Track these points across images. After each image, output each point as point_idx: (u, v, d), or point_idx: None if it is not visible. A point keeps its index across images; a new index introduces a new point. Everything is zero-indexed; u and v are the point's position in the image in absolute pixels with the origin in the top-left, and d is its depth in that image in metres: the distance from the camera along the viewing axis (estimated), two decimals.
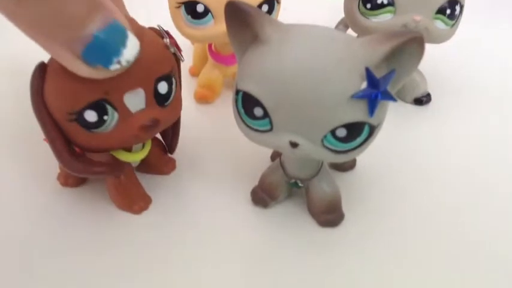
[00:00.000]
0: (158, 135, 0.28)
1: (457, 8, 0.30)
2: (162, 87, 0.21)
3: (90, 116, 0.19)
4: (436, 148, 0.31)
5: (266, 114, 0.19)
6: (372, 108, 0.18)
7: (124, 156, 0.23)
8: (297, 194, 0.26)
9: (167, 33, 0.22)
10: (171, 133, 0.27)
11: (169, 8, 0.31)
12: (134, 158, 0.24)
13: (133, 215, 0.25)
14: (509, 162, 0.30)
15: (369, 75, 0.17)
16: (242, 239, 0.24)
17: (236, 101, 0.20)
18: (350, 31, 0.35)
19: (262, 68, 0.18)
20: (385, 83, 0.17)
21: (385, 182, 0.28)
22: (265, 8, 0.31)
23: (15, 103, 0.32)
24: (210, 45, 0.35)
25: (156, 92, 0.21)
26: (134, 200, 0.25)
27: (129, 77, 0.19)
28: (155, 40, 0.21)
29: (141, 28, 0.20)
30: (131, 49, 0.18)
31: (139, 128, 0.20)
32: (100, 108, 0.19)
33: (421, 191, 0.27)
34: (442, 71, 0.40)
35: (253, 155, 0.29)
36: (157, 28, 0.22)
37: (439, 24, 0.31)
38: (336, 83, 0.17)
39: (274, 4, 0.31)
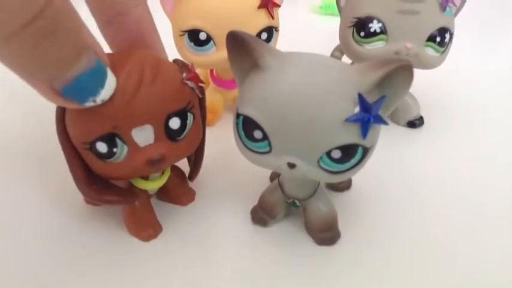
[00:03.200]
0: (179, 163, 0.28)
1: (447, 35, 0.32)
2: (174, 123, 0.21)
3: (101, 147, 0.20)
4: (429, 169, 0.32)
5: (265, 137, 0.20)
6: (364, 131, 0.19)
7: (141, 184, 0.24)
8: (295, 214, 0.27)
9: (187, 67, 0.22)
10: (194, 160, 0.27)
11: (174, 36, 0.32)
12: (151, 186, 0.24)
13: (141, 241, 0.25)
14: (500, 182, 0.31)
15: (361, 101, 0.18)
16: (242, 257, 0.25)
17: (237, 124, 0.21)
18: (345, 57, 0.36)
19: (261, 94, 0.19)
20: (377, 108, 0.19)
21: (380, 202, 0.29)
22: (264, 35, 0.32)
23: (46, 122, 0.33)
24: (211, 71, 0.37)
25: (167, 127, 0.21)
26: (144, 227, 0.25)
27: (137, 113, 0.19)
28: (171, 75, 0.21)
29: (158, 63, 0.20)
30: (108, 89, 0.18)
31: (145, 162, 0.21)
32: (110, 141, 0.20)
33: (415, 211, 0.28)
34: (434, 95, 0.41)
35: (252, 175, 0.30)
36: (179, 62, 0.23)
37: (430, 51, 0.32)
38: (331, 107, 0.18)
39: (273, 32, 0.33)
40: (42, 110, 0.36)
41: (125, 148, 0.20)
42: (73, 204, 0.28)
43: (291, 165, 0.20)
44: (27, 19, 0.14)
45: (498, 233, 0.27)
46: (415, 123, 0.37)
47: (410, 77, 0.19)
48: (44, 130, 0.33)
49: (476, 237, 0.26)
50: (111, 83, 0.18)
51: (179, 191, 0.28)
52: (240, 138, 0.21)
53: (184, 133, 0.22)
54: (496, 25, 0.65)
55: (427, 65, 0.33)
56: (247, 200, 0.28)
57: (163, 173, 0.25)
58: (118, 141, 0.20)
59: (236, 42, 0.20)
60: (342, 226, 0.26)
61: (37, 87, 0.17)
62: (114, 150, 0.20)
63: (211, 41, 0.31)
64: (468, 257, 0.25)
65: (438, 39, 0.32)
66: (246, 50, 0.20)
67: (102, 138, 0.20)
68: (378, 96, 0.19)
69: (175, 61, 0.22)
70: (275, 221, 0.26)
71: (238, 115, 0.21)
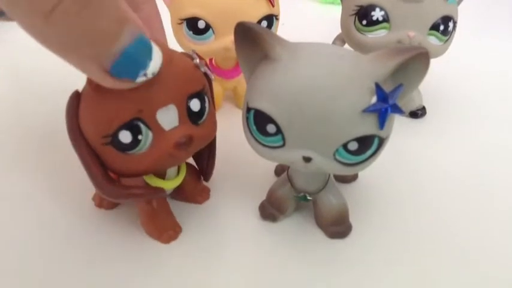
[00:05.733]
0: (193, 163, 0.27)
1: (450, 24, 0.32)
2: (195, 104, 0.21)
3: (125, 137, 0.19)
4: (432, 158, 0.32)
5: (279, 131, 0.19)
6: (382, 122, 0.18)
7: (158, 183, 0.23)
8: (305, 208, 0.27)
9: (197, 54, 0.22)
10: (207, 157, 0.26)
11: (172, 25, 0.31)
12: (168, 185, 0.23)
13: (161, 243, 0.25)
14: (505, 170, 0.31)
15: (379, 90, 0.18)
16: (253, 254, 0.24)
17: (248, 118, 0.20)
18: (346, 46, 0.36)
19: (274, 86, 0.19)
20: (394, 97, 0.18)
21: (387, 192, 0.29)
22: (264, 24, 0.31)
23: (54, 124, 0.32)
24: (210, 60, 0.36)
25: (188, 110, 0.21)
26: (164, 229, 0.25)
27: (161, 94, 0.19)
28: (184, 60, 0.21)
29: (170, 49, 0.20)
30: (156, 61, 0.18)
31: (174, 145, 0.20)
32: (134, 128, 0.19)
33: (422, 199, 0.28)
34: (436, 85, 0.41)
35: (256, 168, 0.30)
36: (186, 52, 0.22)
37: (433, 40, 0.32)
38: (347, 98, 0.18)
39: (273, 20, 0.32)
40: (49, 110, 0.35)
41: (150, 134, 0.20)
42: (83, 209, 0.27)
43: (307, 159, 0.19)
44: None
45: (505, 218, 0.27)
46: (418, 113, 0.37)
47: (426, 66, 0.19)
48: (53, 129, 0.32)
49: (484, 223, 0.26)
50: (157, 54, 0.18)
51: (194, 189, 0.27)
52: (251, 132, 0.21)
53: (204, 116, 0.22)
54: (500, 14, 0.65)
55: (430, 54, 0.32)
56: (252, 195, 0.27)
57: (179, 172, 0.25)
58: (142, 127, 0.19)
59: (244, 33, 0.20)
60: (352, 218, 0.25)
61: (88, 69, 0.17)
62: (139, 137, 0.19)
63: (210, 29, 0.30)
64: (477, 240, 0.25)
65: (441, 27, 0.31)
66: (255, 42, 0.19)
67: (125, 126, 0.19)
68: (392, 85, 0.19)
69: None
70: (285, 215, 0.26)
71: (249, 109, 0.20)
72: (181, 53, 0.22)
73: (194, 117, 0.21)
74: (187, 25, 0.30)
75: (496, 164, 0.32)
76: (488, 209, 0.28)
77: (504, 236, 0.25)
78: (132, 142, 0.19)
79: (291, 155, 0.20)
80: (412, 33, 0.31)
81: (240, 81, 0.37)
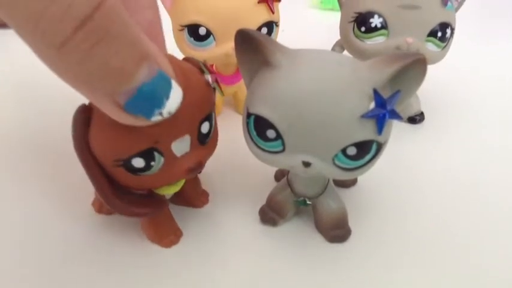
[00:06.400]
0: None
1: (448, 30, 0.32)
2: (205, 127, 0.21)
3: (138, 162, 0.19)
4: (430, 163, 0.32)
5: (279, 136, 0.19)
6: (380, 127, 0.18)
7: (160, 190, 0.23)
8: (304, 212, 0.27)
9: (206, 67, 0.21)
10: None
11: (173, 31, 0.32)
12: (169, 191, 0.24)
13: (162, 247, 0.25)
14: (503, 175, 0.31)
15: (377, 96, 0.18)
16: (253, 258, 0.24)
17: (248, 124, 0.20)
18: (345, 53, 0.36)
19: (274, 92, 0.19)
20: (392, 103, 0.18)
21: (387, 197, 0.29)
22: (264, 30, 0.32)
23: (54, 130, 0.32)
24: (211, 66, 0.36)
25: (199, 134, 0.21)
26: (166, 233, 0.25)
27: (177, 125, 0.19)
28: (197, 79, 0.20)
29: (184, 68, 0.19)
30: (174, 100, 0.17)
31: (185, 171, 0.20)
32: (148, 155, 0.19)
33: (420, 204, 0.28)
34: (434, 91, 0.41)
35: (256, 173, 0.30)
36: (195, 61, 0.22)
37: (431, 47, 0.32)
38: (346, 104, 0.18)
39: (273, 27, 0.32)
40: (50, 116, 0.35)
41: (162, 160, 0.20)
42: (83, 214, 0.27)
43: (306, 164, 0.20)
44: (77, 23, 0.13)
45: (507, 223, 0.27)
46: (416, 118, 0.37)
47: (423, 72, 0.19)
48: (52, 135, 0.32)
49: (484, 226, 0.27)
50: (177, 93, 0.17)
51: (194, 193, 0.27)
52: (251, 138, 0.21)
53: (211, 134, 0.22)
54: (497, 20, 0.65)
55: (428, 60, 0.32)
56: (253, 199, 0.27)
57: None
58: (156, 154, 0.19)
59: (245, 40, 0.20)
60: (351, 222, 0.26)
61: (101, 103, 0.16)
62: (152, 164, 0.19)
63: (211, 36, 0.31)
64: (475, 249, 0.25)
65: (439, 34, 0.32)
66: (255, 48, 0.20)
67: (140, 154, 0.19)
68: (390, 91, 0.19)
69: (187, 60, 0.22)
70: (285, 220, 0.26)
71: (249, 114, 0.20)
72: (186, 60, 0.22)
73: (203, 139, 0.21)
74: (188, 32, 0.31)
75: (495, 169, 0.32)
76: (488, 213, 0.28)
77: (504, 243, 0.26)
78: (144, 167, 0.19)
79: (291, 160, 0.20)
80: (410, 40, 0.31)
81: (240, 87, 0.37)
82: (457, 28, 0.33)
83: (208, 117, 0.21)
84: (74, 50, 0.14)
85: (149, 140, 0.19)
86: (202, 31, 0.30)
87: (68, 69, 0.15)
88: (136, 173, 0.20)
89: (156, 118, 0.17)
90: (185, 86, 0.18)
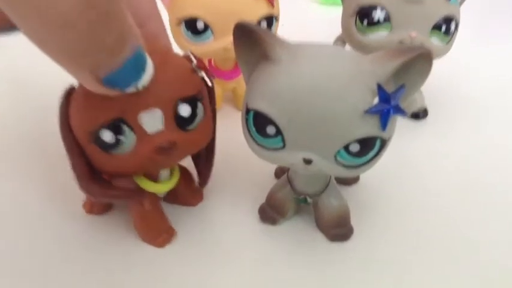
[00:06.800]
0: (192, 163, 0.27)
1: (452, 25, 0.31)
2: (184, 109, 0.20)
3: (106, 136, 0.19)
4: (433, 160, 0.32)
5: (278, 132, 0.19)
6: (384, 123, 0.18)
7: (151, 187, 0.23)
8: (305, 210, 0.26)
9: (196, 58, 0.22)
10: (204, 164, 0.26)
11: (170, 25, 0.31)
12: (161, 189, 0.23)
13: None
14: (506, 172, 0.31)
15: (381, 91, 0.18)
16: (253, 258, 0.24)
17: (247, 120, 0.20)
18: (347, 47, 0.35)
19: (274, 87, 0.18)
20: (397, 98, 0.18)
21: (389, 194, 0.28)
22: (263, 24, 0.31)
23: (46, 130, 0.32)
24: (209, 61, 0.36)
25: (176, 114, 0.20)
26: (159, 233, 0.24)
27: (146, 97, 0.19)
28: (181, 63, 0.21)
29: (167, 50, 0.20)
30: (148, 73, 0.18)
31: (154, 149, 0.20)
32: (115, 128, 0.19)
33: (423, 201, 0.28)
34: (437, 86, 0.41)
35: (256, 170, 0.29)
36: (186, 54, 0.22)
37: (435, 41, 0.31)
38: (349, 99, 0.17)
39: (273, 21, 0.32)
40: (44, 111, 0.35)
41: (132, 136, 0.19)
42: (76, 214, 0.26)
43: (307, 161, 0.19)
44: (84, 6, 0.14)
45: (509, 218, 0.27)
46: (419, 114, 0.36)
47: (428, 66, 0.18)
48: (45, 131, 0.32)
49: (487, 222, 0.26)
50: (150, 66, 0.18)
51: (187, 192, 0.27)
52: (251, 134, 0.20)
53: (195, 123, 0.21)
54: (502, 15, 0.64)
55: (432, 54, 0.32)
56: (253, 197, 0.27)
57: (172, 175, 0.24)
58: (124, 127, 0.19)
59: (244, 33, 0.19)
60: (353, 221, 0.25)
61: (80, 76, 0.17)
62: (120, 137, 0.19)
63: (209, 30, 0.30)
64: (479, 246, 0.25)
65: (443, 28, 0.31)
66: (254, 42, 0.19)
67: (107, 125, 0.19)
68: (394, 86, 0.19)
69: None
70: (285, 218, 0.26)
71: (248, 110, 0.20)
72: (183, 56, 0.21)
73: (182, 123, 0.21)
74: (185, 26, 0.30)
75: (499, 165, 0.31)
76: (494, 210, 0.27)
77: (509, 240, 0.25)
78: (113, 142, 0.19)
79: (291, 157, 0.19)
80: (413, 34, 0.31)
81: (239, 82, 0.36)
82: (463, 22, 0.32)
83: (190, 101, 0.20)
84: (75, 30, 0.14)
85: (116, 109, 0.19)
86: (200, 25, 0.30)
87: (62, 47, 0.15)
88: (109, 151, 0.19)
89: (130, 90, 0.18)
90: (160, 61, 0.18)
